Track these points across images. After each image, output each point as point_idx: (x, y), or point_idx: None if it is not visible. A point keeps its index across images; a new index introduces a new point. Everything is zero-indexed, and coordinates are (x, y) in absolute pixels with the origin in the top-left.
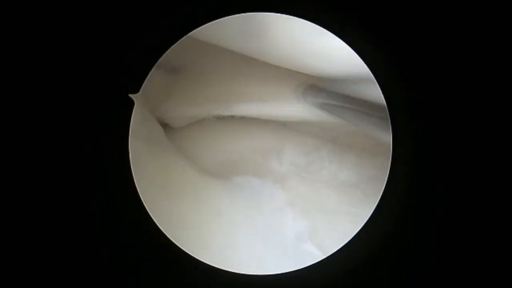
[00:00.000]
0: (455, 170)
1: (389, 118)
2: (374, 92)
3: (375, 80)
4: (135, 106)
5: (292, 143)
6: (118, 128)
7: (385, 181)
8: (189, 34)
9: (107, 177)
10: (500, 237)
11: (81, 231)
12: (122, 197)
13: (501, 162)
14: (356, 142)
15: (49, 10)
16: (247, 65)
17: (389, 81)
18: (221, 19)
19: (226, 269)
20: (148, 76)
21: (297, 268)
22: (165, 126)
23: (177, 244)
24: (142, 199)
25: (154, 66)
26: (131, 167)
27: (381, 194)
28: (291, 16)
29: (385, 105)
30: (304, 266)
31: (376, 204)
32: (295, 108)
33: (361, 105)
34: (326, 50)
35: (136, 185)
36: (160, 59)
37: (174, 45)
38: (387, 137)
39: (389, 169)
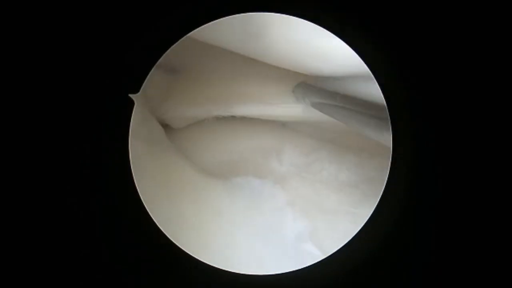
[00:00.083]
0: (455, 170)
1: (389, 118)
2: (374, 92)
3: (375, 80)
4: (135, 106)
5: (292, 143)
6: (118, 128)
7: (385, 181)
8: (189, 34)
9: (107, 177)
10: (500, 237)
11: (81, 231)
12: (122, 197)
13: (501, 162)
14: (356, 142)
15: (49, 10)
16: (247, 65)
17: (389, 81)
18: (221, 19)
19: (226, 269)
20: (148, 76)
21: (297, 268)
22: (165, 126)
23: (177, 244)
24: (142, 199)
25: (154, 66)
26: (131, 167)
27: (381, 194)
28: (291, 16)
29: (385, 105)
30: (304, 266)
31: (376, 204)
32: (294, 108)
33: (360, 105)
34: (326, 50)
35: (136, 185)
36: (160, 59)
37: (174, 45)
38: (387, 137)
39: (389, 169)
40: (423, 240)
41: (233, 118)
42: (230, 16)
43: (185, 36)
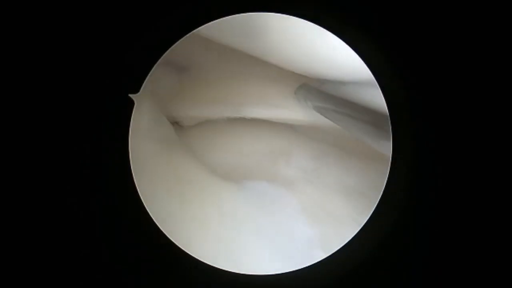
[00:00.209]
0: (455, 170)
1: (389, 118)
2: (374, 92)
3: (375, 80)
4: (135, 106)
5: (300, 147)
6: (118, 128)
7: (385, 182)
8: (188, 34)
9: (107, 177)
10: (499, 237)
11: (81, 231)
12: (122, 197)
13: (501, 162)
14: (356, 142)
15: (50, 10)
16: (247, 65)
17: (389, 81)
18: (221, 19)
19: (226, 269)
20: (148, 76)
21: (297, 268)
22: (172, 125)
23: (177, 244)
24: (142, 199)
25: (155, 65)
26: (131, 167)
27: (381, 195)
28: (291, 16)
29: (387, 113)
30: (304, 266)
31: (376, 204)
32: (297, 111)
33: (362, 112)
34: (326, 50)
35: (136, 185)
36: (160, 59)
37: (174, 45)
38: (387, 137)
39: (389, 169)
40: (423, 240)
41: (243, 119)
42: (230, 16)
43: (185, 36)
